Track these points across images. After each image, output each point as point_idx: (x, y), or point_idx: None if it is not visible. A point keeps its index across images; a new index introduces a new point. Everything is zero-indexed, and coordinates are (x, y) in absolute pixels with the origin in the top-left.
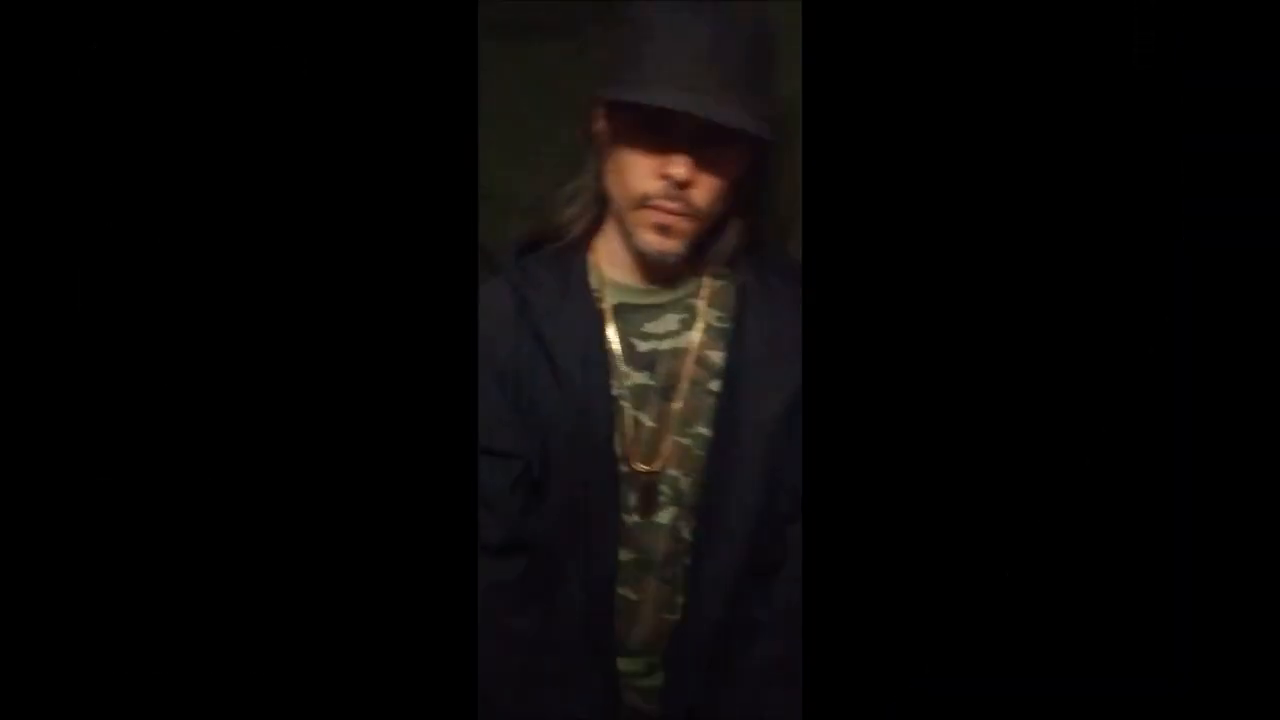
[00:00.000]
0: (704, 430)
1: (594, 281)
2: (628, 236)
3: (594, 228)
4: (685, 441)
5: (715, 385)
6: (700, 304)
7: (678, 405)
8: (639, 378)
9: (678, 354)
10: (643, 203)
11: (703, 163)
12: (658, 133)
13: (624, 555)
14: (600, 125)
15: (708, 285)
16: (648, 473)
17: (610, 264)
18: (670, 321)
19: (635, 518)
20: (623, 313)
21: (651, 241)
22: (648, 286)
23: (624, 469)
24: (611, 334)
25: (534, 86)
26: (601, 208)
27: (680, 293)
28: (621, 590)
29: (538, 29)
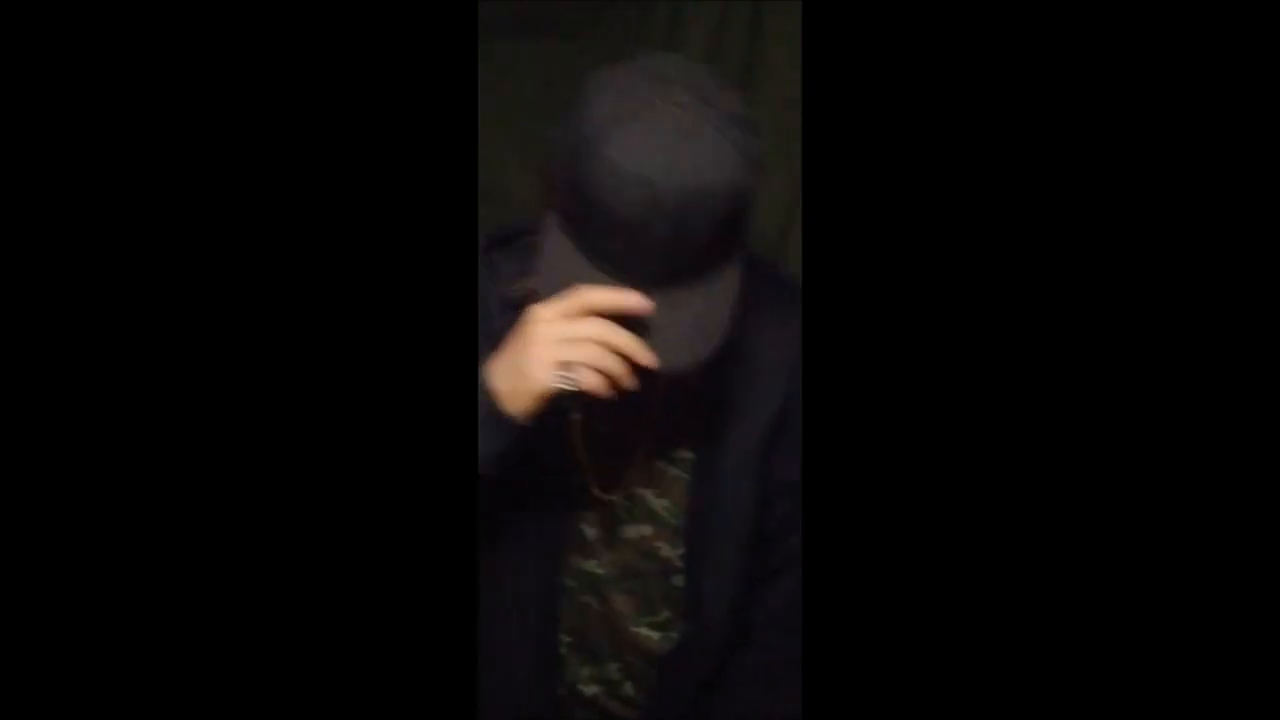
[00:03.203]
0: (684, 451)
1: None
2: None
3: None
4: (661, 462)
5: (683, 400)
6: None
7: (650, 422)
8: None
9: None
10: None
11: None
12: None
13: (586, 565)
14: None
15: None
16: (609, 501)
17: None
18: None
19: (596, 531)
20: None
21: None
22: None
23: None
24: None
25: (534, 86)
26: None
27: None
28: (583, 598)
29: (538, 29)
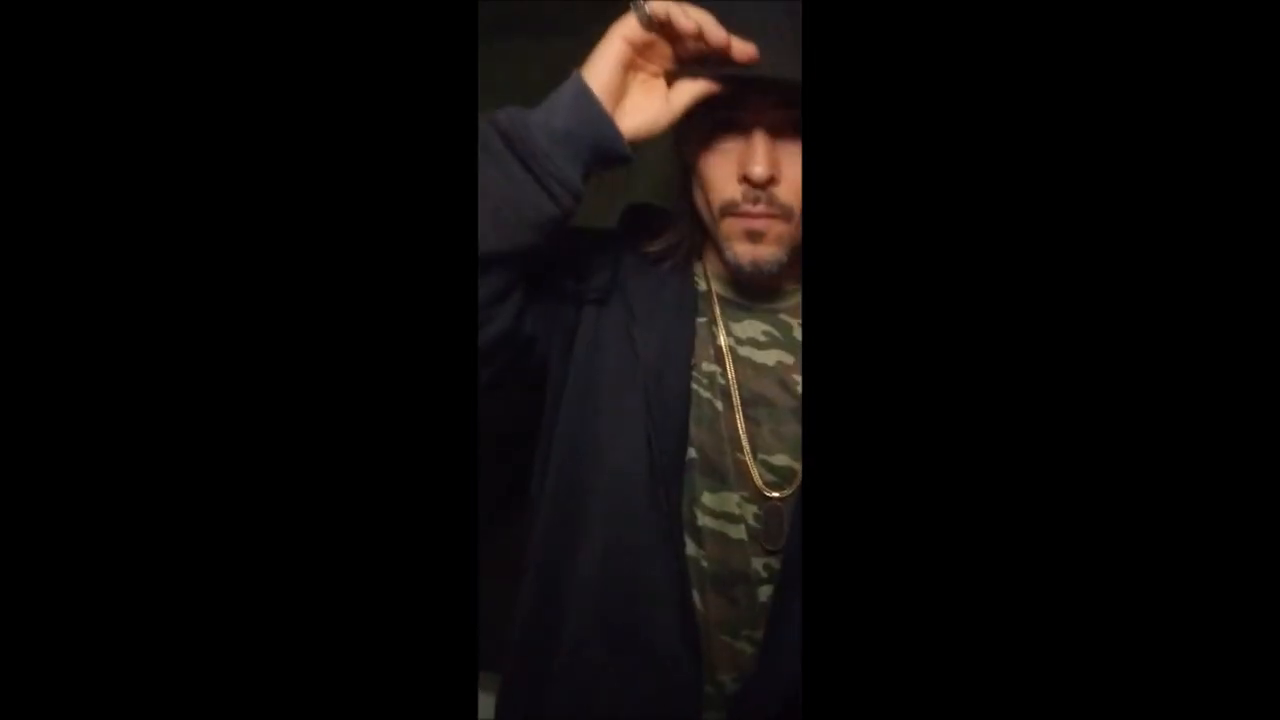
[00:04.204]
0: (790, 461)
1: (702, 302)
2: (721, 252)
3: (693, 251)
4: (759, 470)
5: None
6: (797, 325)
7: (773, 431)
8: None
9: (759, 370)
10: (728, 211)
11: (785, 154)
12: (728, 129)
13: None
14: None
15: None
16: (776, 498)
17: (717, 281)
18: (751, 329)
19: (708, 520)
20: (725, 308)
21: (743, 252)
22: (752, 304)
23: (750, 479)
24: (704, 324)
25: (534, 86)
26: (697, 228)
27: (776, 302)
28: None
29: (538, 29)
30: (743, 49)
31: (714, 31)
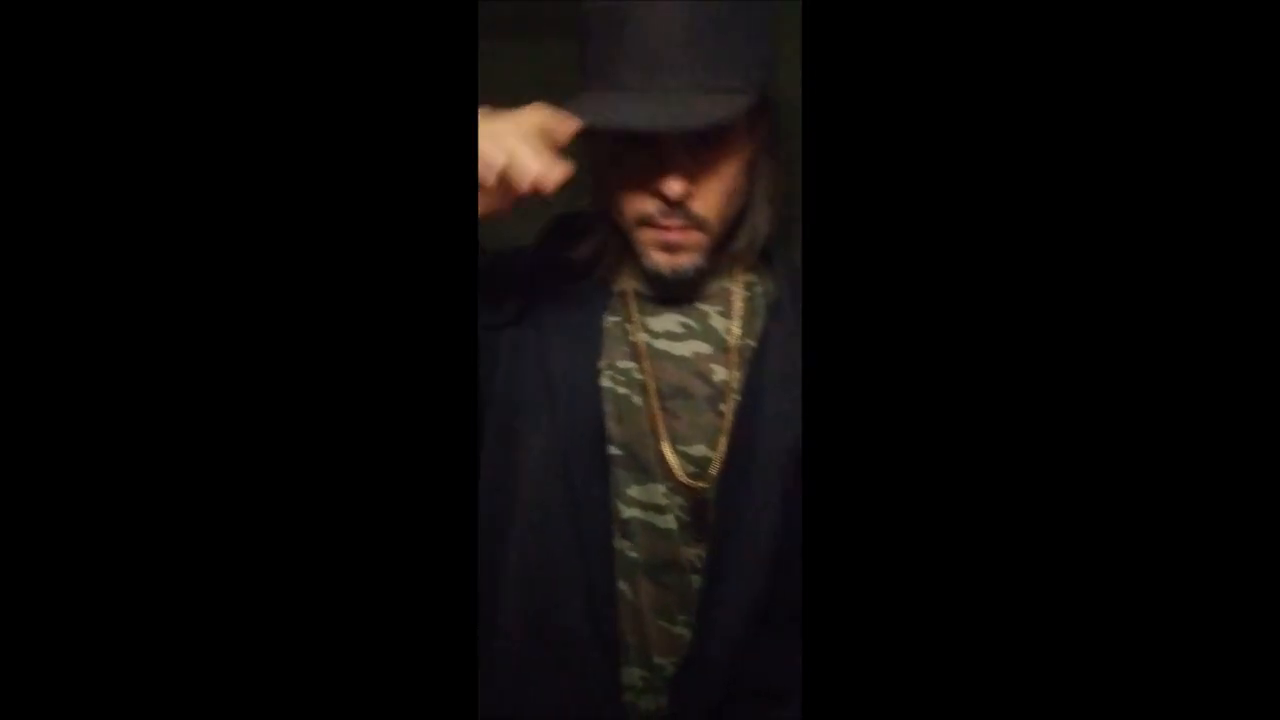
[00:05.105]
0: (706, 451)
1: (617, 306)
2: (640, 258)
3: (616, 256)
4: (680, 461)
5: (720, 404)
6: (715, 315)
7: (687, 421)
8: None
9: (679, 362)
10: (643, 223)
11: (700, 169)
12: (638, 142)
13: (619, 545)
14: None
15: (736, 298)
16: (697, 489)
17: (634, 280)
18: (669, 322)
19: (634, 511)
20: (644, 303)
21: (662, 261)
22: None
23: (673, 475)
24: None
25: (534, 86)
26: (617, 234)
27: (693, 295)
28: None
29: (538, 29)
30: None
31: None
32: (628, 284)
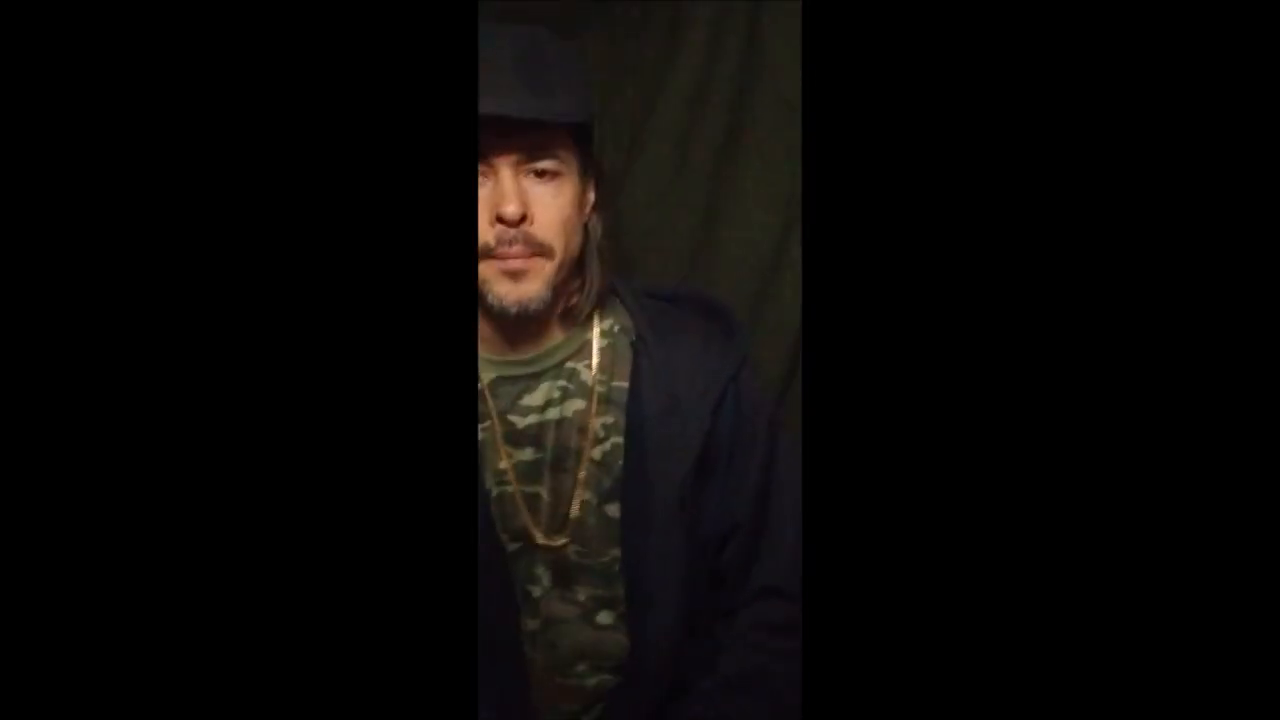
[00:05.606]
0: (607, 501)
1: None
2: (484, 299)
3: None
4: (585, 514)
5: (602, 452)
6: (583, 369)
7: (573, 477)
8: (524, 455)
9: (562, 424)
10: (485, 254)
11: (536, 191)
12: (481, 178)
13: (530, 624)
14: None
15: (595, 346)
16: (559, 547)
17: (493, 366)
18: (548, 391)
19: (541, 589)
20: (498, 388)
21: (506, 293)
22: (520, 355)
23: (534, 542)
24: (485, 412)
25: None
26: None
27: (559, 356)
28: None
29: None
30: None
31: None
32: (483, 374)
